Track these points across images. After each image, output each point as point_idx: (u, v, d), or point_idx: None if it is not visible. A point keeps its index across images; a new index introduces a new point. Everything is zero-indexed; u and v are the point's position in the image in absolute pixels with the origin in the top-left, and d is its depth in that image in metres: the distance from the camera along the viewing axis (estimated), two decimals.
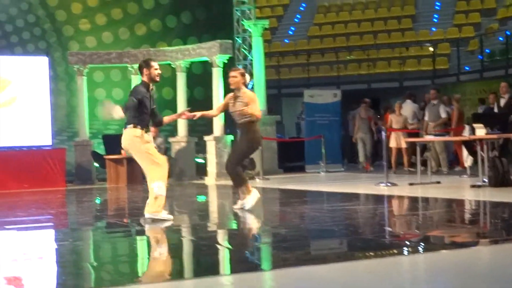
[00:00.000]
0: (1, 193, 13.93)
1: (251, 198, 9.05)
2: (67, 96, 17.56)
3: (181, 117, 9.42)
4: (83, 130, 16.49)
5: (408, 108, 16.75)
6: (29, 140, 15.76)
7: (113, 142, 16.44)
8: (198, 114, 9.05)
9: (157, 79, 8.35)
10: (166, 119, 8.91)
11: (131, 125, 8.16)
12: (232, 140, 15.77)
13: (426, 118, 15.97)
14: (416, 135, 15.83)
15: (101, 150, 16.71)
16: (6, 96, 15.68)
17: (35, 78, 15.94)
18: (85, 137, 16.47)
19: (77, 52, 16.82)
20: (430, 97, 16.13)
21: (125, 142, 8.28)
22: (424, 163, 13.96)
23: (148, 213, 8.18)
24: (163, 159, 8.35)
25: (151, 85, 8.36)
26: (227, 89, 16.80)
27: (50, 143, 15.92)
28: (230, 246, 6.66)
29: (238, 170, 9.12)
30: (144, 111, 8.21)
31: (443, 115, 15.66)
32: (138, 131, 8.15)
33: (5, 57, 16.49)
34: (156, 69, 8.33)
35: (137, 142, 8.17)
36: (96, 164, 16.54)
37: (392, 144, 15.97)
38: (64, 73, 17.56)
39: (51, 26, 17.56)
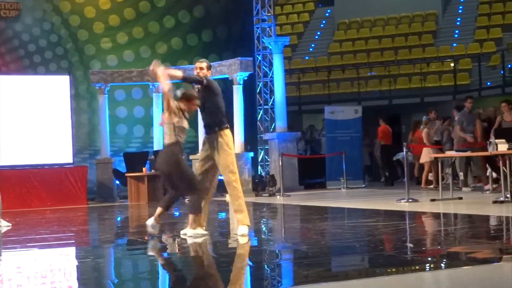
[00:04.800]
0: (24, 211, 14.02)
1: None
2: (89, 114, 17.68)
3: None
4: (104, 148, 16.59)
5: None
6: (51, 158, 15.84)
7: (134, 160, 16.54)
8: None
9: None
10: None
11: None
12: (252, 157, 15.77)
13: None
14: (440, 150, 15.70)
15: (122, 168, 16.78)
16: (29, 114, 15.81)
17: (57, 97, 16.05)
18: (106, 155, 16.56)
19: (99, 71, 16.96)
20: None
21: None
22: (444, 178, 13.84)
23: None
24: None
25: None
26: (248, 106, 16.96)
27: (72, 161, 16.00)
28: (250, 263, 6.64)
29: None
30: None
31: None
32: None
33: (28, 76, 16.65)
34: None
35: None
36: (117, 182, 16.61)
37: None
38: (85, 92, 17.69)
39: (73, 46, 17.72)
